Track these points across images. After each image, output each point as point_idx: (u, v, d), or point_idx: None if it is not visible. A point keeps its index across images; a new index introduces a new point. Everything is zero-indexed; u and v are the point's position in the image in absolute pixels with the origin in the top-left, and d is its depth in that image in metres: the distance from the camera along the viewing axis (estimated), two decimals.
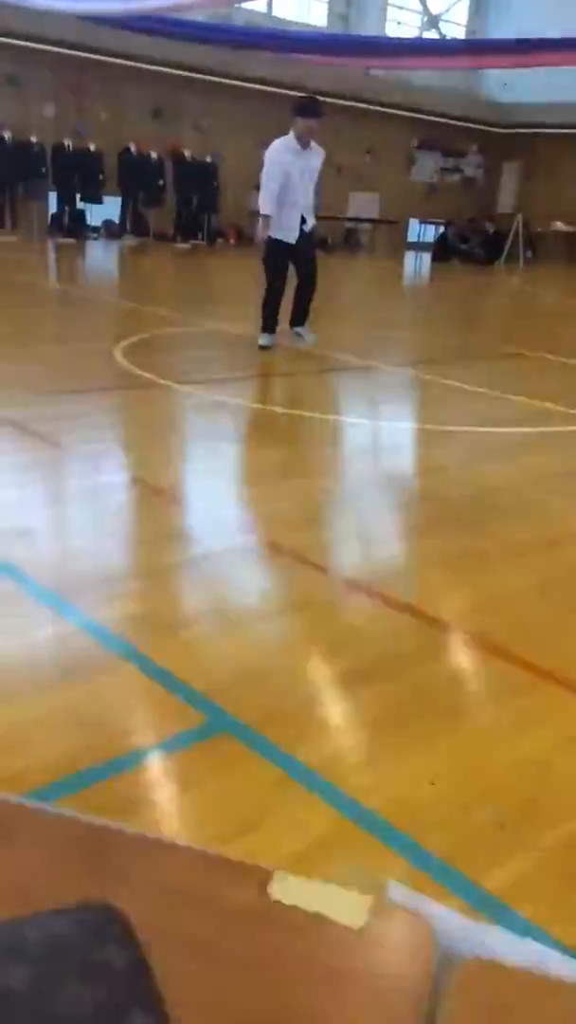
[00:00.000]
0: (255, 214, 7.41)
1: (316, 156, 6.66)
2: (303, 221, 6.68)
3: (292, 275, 6.90)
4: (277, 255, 6.76)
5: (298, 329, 7.01)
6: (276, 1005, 0.43)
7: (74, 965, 0.41)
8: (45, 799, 1.65)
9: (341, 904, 0.46)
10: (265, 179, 6.54)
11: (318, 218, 7.15)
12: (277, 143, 6.52)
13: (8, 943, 0.42)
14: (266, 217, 6.58)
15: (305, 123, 6.44)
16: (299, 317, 7.03)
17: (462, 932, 0.45)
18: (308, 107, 6.50)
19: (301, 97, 6.86)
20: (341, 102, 18.39)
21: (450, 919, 0.46)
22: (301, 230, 6.69)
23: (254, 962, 0.44)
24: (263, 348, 6.82)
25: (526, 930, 1.46)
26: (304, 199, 6.64)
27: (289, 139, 6.49)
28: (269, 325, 6.90)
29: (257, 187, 6.92)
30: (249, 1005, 0.42)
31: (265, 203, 6.54)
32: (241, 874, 0.49)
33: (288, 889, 0.48)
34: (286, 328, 6.99)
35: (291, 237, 6.67)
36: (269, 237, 6.71)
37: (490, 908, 1.50)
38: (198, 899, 0.48)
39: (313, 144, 6.57)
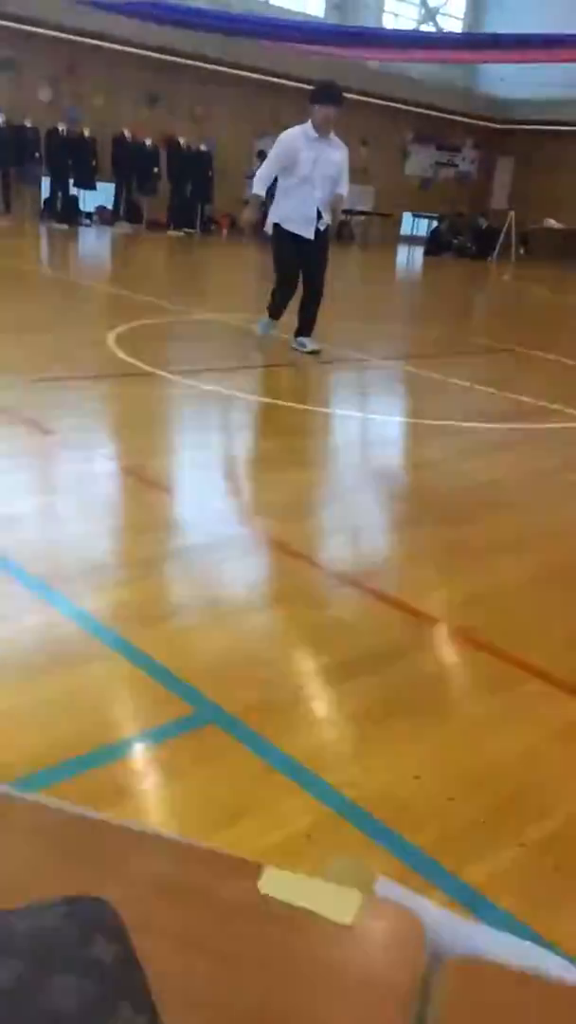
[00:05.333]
0: (248, 202, 7.14)
1: (336, 149, 6.23)
2: (319, 217, 6.19)
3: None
4: (285, 247, 6.30)
5: (302, 339, 6.54)
6: (266, 1000, 0.42)
7: (62, 959, 0.41)
8: (29, 787, 1.65)
9: (331, 900, 0.46)
10: (266, 159, 6.22)
11: (344, 212, 6.64)
12: (292, 128, 6.17)
13: None
14: (255, 197, 6.19)
15: (322, 110, 6.04)
16: (305, 328, 6.55)
17: (452, 929, 0.45)
18: (324, 94, 6.10)
19: (319, 83, 6.39)
20: None
21: (440, 916, 0.46)
22: (316, 228, 6.22)
23: (244, 957, 0.44)
24: (261, 335, 6.60)
25: (505, 922, 1.47)
26: (320, 192, 6.15)
27: (306, 126, 6.13)
28: (274, 313, 6.56)
29: (252, 176, 6.66)
30: (239, 1000, 0.42)
31: (257, 182, 6.14)
32: (232, 868, 0.49)
33: (278, 884, 0.47)
34: (282, 320, 6.86)
35: (304, 231, 6.19)
36: (277, 225, 6.27)
37: (471, 900, 1.51)
38: (188, 893, 0.47)
39: (334, 137, 6.19)
